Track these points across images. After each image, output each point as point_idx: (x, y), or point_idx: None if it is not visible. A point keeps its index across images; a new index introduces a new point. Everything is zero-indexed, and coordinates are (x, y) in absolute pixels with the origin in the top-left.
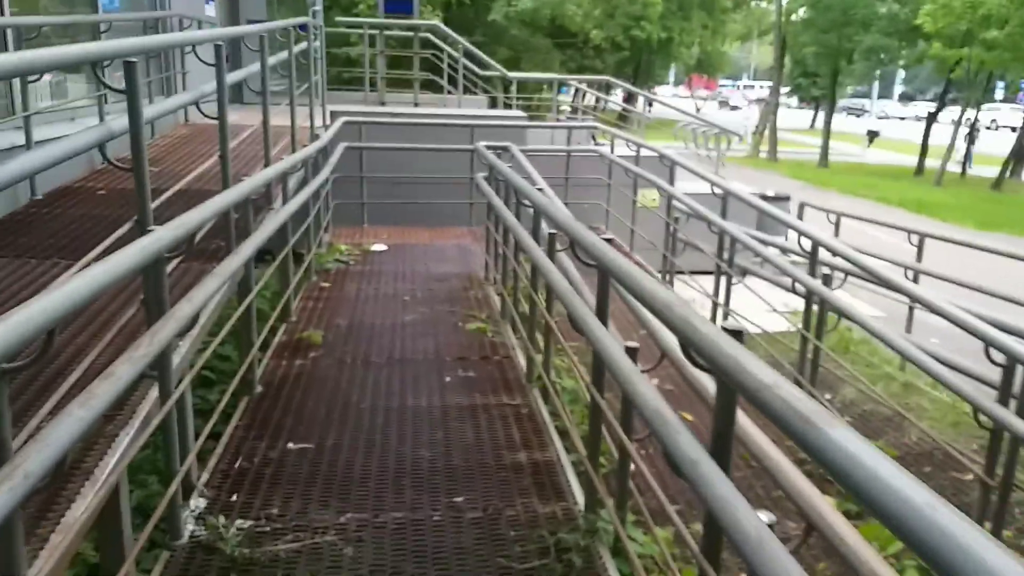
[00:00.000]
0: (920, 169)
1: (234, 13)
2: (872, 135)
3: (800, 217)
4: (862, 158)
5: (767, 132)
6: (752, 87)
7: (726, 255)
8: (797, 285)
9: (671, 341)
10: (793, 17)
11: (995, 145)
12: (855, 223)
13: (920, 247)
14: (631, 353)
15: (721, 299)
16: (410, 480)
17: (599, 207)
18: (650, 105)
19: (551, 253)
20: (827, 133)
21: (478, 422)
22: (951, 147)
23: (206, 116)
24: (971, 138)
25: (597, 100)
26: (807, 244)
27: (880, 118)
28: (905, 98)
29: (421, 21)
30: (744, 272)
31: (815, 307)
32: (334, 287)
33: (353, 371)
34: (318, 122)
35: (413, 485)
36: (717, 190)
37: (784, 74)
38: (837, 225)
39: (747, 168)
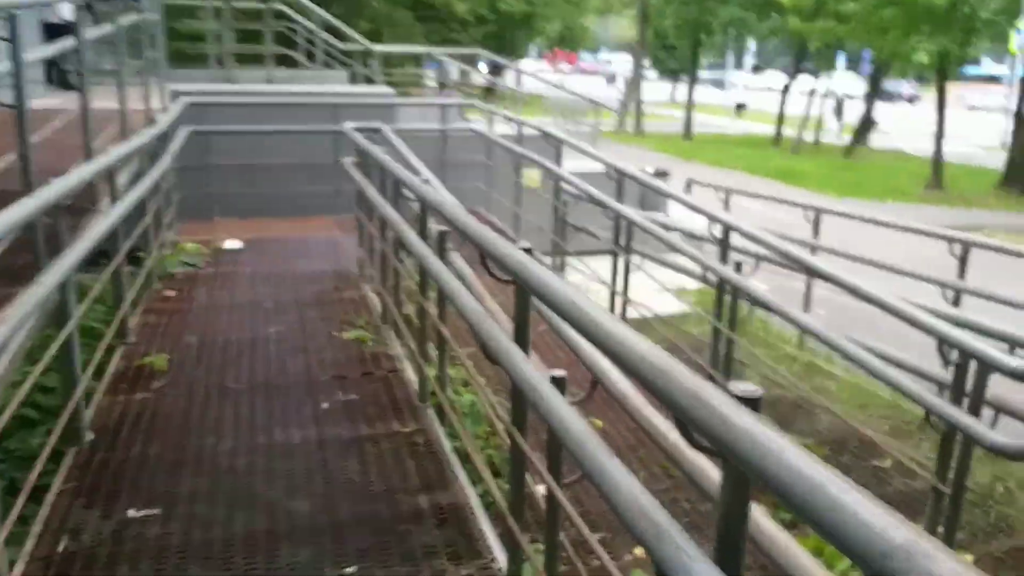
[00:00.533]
0: (778, 138)
1: None
2: (740, 107)
3: (687, 193)
4: (723, 129)
5: (632, 105)
6: (610, 61)
7: (623, 240)
8: (708, 274)
9: (601, 362)
10: None
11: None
12: (734, 195)
13: (816, 223)
14: (559, 384)
15: (619, 287)
16: (287, 547)
17: (479, 189)
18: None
19: (441, 252)
20: (690, 105)
21: (365, 458)
22: (807, 117)
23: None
24: (839, 109)
25: (462, 74)
26: (716, 228)
27: (748, 90)
28: (756, 69)
29: None
30: (641, 256)
31: (727, 297)
32: (181, 296)
33: (207, 403)
34: (156, 104)
35: (291, 552)
36: (603, 168)
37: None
38: (726, 202)
39: (615, 142)
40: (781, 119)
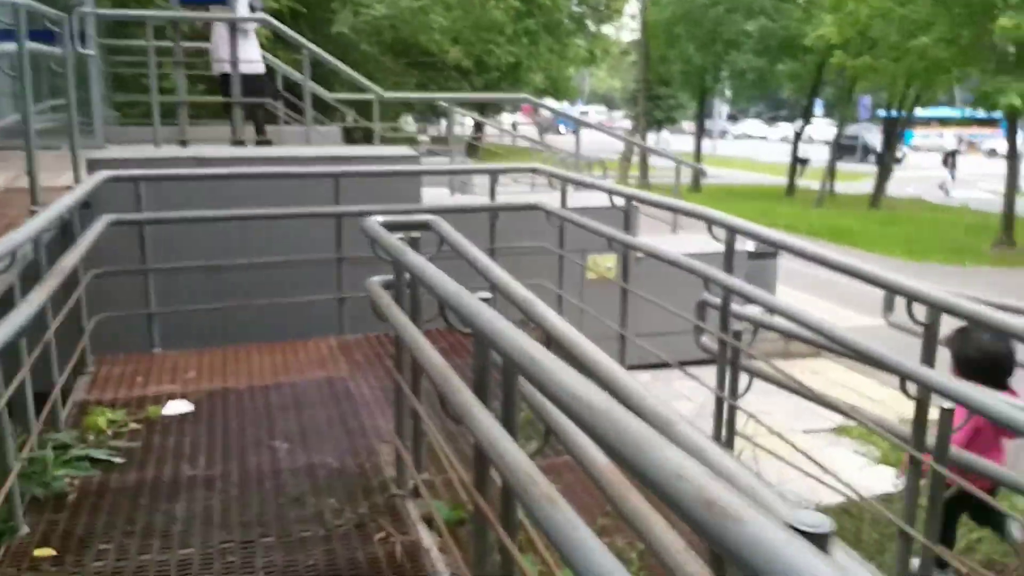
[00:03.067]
0: (791, 189)
1: None
2: (803, 162)
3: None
4: (721, 179)
5: (633, 157)
6: (587, 112)
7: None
8: None
9: None
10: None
11: (821, 159)
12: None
13: None
14: None
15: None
16: None
17: (544, 289)
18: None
19: None
20: (698, 156)
21: None
22: (830, 166)
23: None
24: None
25: (448, 127)
26: None
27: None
28: (731, 118)
29: (241, 15)
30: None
31: None
32: (63, 562)
33: None
34: (65, 180)
35: None
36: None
37: (622, 99)
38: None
39: None
40: (794, 169)
